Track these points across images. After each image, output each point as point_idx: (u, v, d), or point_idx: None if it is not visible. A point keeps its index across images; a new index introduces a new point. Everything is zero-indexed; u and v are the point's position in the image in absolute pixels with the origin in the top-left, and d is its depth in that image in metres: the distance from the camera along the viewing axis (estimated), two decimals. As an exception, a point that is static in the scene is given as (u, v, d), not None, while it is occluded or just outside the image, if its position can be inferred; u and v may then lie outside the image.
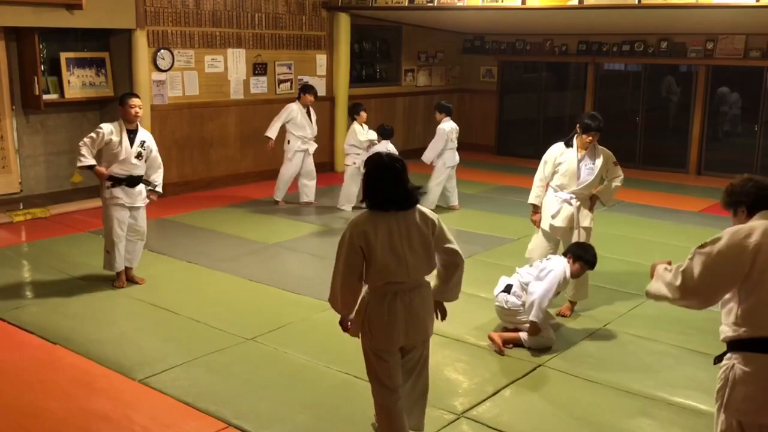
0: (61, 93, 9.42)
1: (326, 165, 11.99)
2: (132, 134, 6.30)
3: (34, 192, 9.60)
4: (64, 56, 9.40)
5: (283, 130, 9.47)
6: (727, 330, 3.10)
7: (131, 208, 6.40)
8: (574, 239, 5.86)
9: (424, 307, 3.66)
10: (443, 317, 3.92)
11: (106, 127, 6.26)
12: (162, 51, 9.86)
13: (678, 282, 3.10)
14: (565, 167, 5.94)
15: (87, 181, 9.18)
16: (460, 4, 10.27)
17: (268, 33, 11.10)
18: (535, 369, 4.98)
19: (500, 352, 5.18)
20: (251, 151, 10.96)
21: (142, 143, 6.33)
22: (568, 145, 5.96)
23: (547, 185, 6.10)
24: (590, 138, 5.83)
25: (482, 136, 14.23)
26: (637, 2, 9.01)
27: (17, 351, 5.22)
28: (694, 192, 11.00)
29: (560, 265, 5.24)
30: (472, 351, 5.26)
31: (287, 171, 9.59)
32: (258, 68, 11.04)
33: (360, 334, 3.69)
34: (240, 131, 10.92)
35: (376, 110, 12.25)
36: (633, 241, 8.17)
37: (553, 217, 5.99)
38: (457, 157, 9.50)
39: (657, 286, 3.22)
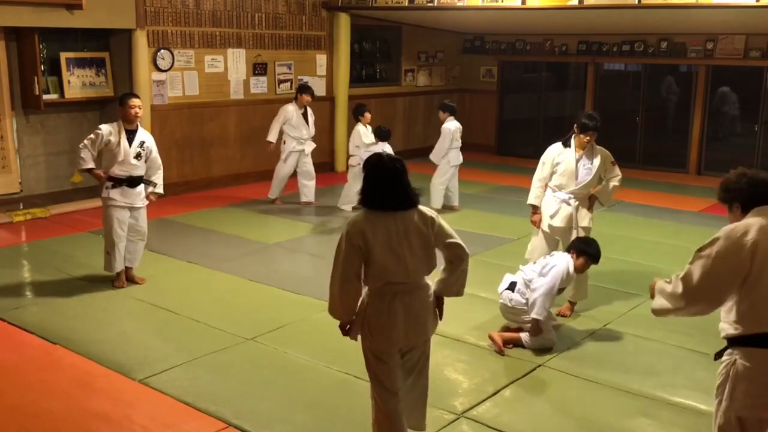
0: (61, 93, 9.42)
1: (326, 165, 11.99)
2: (131, 134, 6.29)
3: (34, 192, 9.60)
4: (64, 56, 9.40)
5: (282, 131, 9.48)
6: (727, 327, 3.10)
7: (131, 209, 6.40)
8: (574, 239, 5.86)
9: (423, 308, 3.64)
10: (440, 316, 3.82)
11: (105, 128, 6.27)
12: (162, 51, 9.86)
13: (680, 290, 3.10)
14: (563, 167, 5.94)
15: (87, 181, 9.16)
16: (460, 4, 10.27)
17: (268, 33, 11.10)
18: (535, 369, 4.98)
19: (500, 352, 5.18)
20: (251, 151, 10.96)
21: (142, 144, 6.33)
22: (566, 145, 5.97)
23: (546, 186, 6.11)
24: (588, 138, 5.84)
25: (482, 136, 14.22)
26: (637, 2, 9.01)
27: (17, 351, 5.22)
28: (694, 192, 11.00)
29: (563, 261, 5.23)
30: (472, 351, 5.27)
31: (281, 171, 9.62)
32: (258, 68, 11.04)
33: (360, 336, 3.69)
34: (240, 131, 10.93)
35: (376, 110, 12.22)
36: (633, 241, 8.17)
37: (552, 217, 5.99)
38: (461, 157, 9.53)
39: (660, 302, 3.21)
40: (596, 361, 5.12)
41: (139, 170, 6.36)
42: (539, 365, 5.03)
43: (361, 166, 3.80)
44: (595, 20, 11.04)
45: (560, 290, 5.32)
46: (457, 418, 4.32)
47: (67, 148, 9.77)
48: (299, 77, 11.59)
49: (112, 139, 6.20)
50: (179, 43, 10.05)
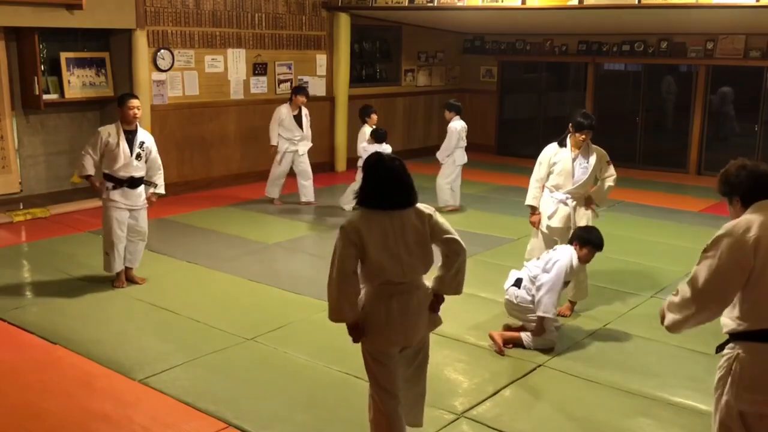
0: (61, 93, 9.42)
1: (326, 165, 12.00)
2: (131, 135, 6.29)
3: (34, 192, 9.60)
4: (64, 56, 9.40)
5: None
6: (730, 323, 3.09)
7: (131, 210, 6.39)
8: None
9: (420, 308, 3.63)
10: (436, 312, 3.74)
11: (104, 130, 6.27)
12: (162, 51, 9.86)
13: (689, 294, 3.06)
14: (560, 167, 5.95)
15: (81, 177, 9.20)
16: (460, 4, 10.27)
17: (268, 33, 11.10)
18: (535, 369, 4.98)
19: (500, 352, 5.18)
20: (251, 151, 10.96)
21: (141, 144, 6.32)
22: (562, 145, 5.98)
23: (544, 186, 6.10)
24: (583, 136, 5.85)
25: (482, 136, 14.22)
26: (637, 2, 9.01)
27: (17, 351, 5.22)
28: (694, 192, 11.00)
29: (566, 254, 5.21)
30: (472, 351, 5.26)
31: (275, 171, 9.67)
32: (258, 68, 11.04)
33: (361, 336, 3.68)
34: (240, 131, 10.92)
35: (376, 110, 12.22)
36: (633, 241, 8.16)
37: (550, 218, 6.00)
38: (465, 157, 9.57)
39: (671, 317, 3.16)
40: (596, 361, 5.12)
41: (140, 171, 6.36)
42: (539, 365, 5.02)
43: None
44: (595, 20, 11.04)
45: (565, 283, 5.30)
46: (457, 418, 4.32)
47: (67, 148, 9.77)
48: (299, 77, 11.59)
49: (111, 140, 6.20)
50: (179, 43, 10.05)
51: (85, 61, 9.64)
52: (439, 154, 9.58)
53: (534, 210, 6.12)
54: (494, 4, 9.98)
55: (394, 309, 3.54)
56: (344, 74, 11.92)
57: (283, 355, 5.17)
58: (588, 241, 5.31)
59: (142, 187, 6.43)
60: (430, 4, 10.51)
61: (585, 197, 6.02)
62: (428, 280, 3.73)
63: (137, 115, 6.28)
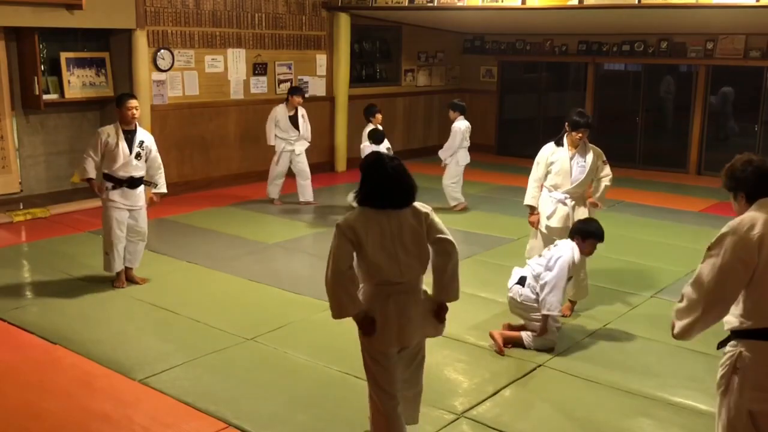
0: (61, 93, 9.42)
1: (326, 165, 12.00)
2: (130, 135, 6.28)
3: (34, 192, 9.60)
4: (64, 56, 9.40)
5: None
6: (732, 320, 3.07)
7: (131, 210, 6.39)
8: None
9: (416, 310, 3.62)
10: (441, 319, 3.72)
11: (103, 131, 6.27)
12: (162, 51, 9.86)
13: (695, 295, 3.04)
14: (557, 166, 5.95)
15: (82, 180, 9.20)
16: (460, 4, 10.27)
17: (268, 33, 11.10)
18: (535, 369, 4.98)
19: (500, 352, 5.17)
20: (251, 151, 10.96)
21: (141, 143, 6.32)
22: (559, 144, 5.98)
23: (542, 186, 6.10)
24: (580, 135, 5.86)
25: (482, 136, 14.21)
26: (637, 2, 9.01)
27: (17, 351, 5.22)
28: (694, 192, 11.00)
29: (567, 250, 5.18)
30: (472, 351, 5.26)
31: (273, 170, 9.70)
32: (258, 68, 11.04)
33: (358, 337, 3.68)
34: (240, 131, 10.93)
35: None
36: (633, 241, 8.16)
37: (549, 218, 6.00)
38: (468, 157, 9.58)
39: (678, 324, 3.12)
40: (596, 361, 5.11)
41: (139, 171, 6.36)
42: (539, 365, 5.02)
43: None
44: (595, 20, 11.04)
45: (568, 279, 5.28)
46: (457, 418, 4.32)
47: (67, 148, 9.77)
48: (299, 77, 11.59)
49: (111, 140, 6.20)
50: (179, 43, 10.05)
51: (85, 61, 9.64)
52: (441, 153, 9.59)
53: (533, 210, 6.12)
54: (494, 4, 9.98)
55: (392, 309, 3.54)
56: (344, 74, 11.92)
57: (283, 355, 5.17)
58: (589, 233, 5.28)
59: (141, 188, 6.43)
60: (430, 4, 10.51)
61: (584, 197, 6.03)
62: (425, 284, 3.73)
63: (136, 116, 6.27)
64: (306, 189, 9.74)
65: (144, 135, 6.40)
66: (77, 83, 9.53)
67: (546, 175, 6.04)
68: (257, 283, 6.66)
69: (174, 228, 8.52)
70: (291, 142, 9.57)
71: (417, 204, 3.63)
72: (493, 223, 8.93)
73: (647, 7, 9.12)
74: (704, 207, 9.94)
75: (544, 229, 6.04)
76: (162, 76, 9.92)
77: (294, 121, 9.53)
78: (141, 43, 9.50)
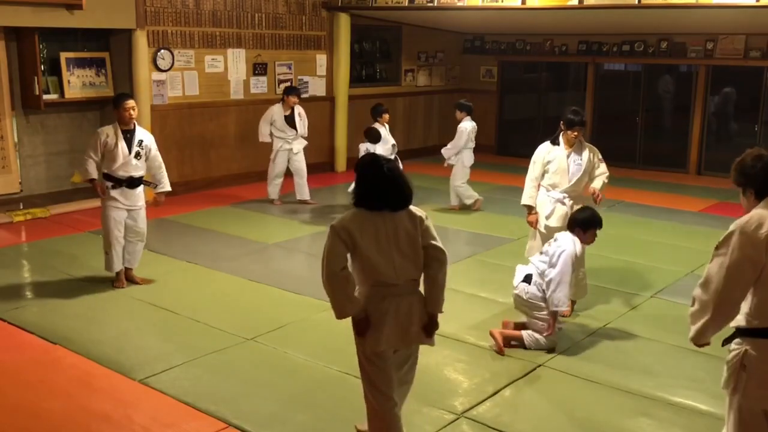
0: (61, 93, 9.41)
1: (326, 165, 12.00)
2: (129, 134, 6.28)
3: (34, 192, 9.60)
4: (64, 56, 9.40)
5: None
6: (739, 318, 3.06)
7: (130, 210, 6.39)
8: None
9: (411, 313, 3.61)
10: (430, 333, 3.71)
11: (102, 132, 6.27)
12: (162, 51, 9.86)
13: (705, 296, 3.02)
14: (555, 165, 5.96)
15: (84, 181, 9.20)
16: (460, 4, 10.27)
17: (268, 33, 11.10)
18: (535, 369, 4.98)
19: (500, 352, 5.17)
20: (251, 151, 10.95)
21: (140, 143, 6.32)
22: (555, 143, 5.99)
23: (539, 185, 6.09)
24: (575, 133, 5.87)
25: (482, 136, 14.05)
26: (637, 2, 9.01)
27: (17, 351, 5.22)
28: (694, 192, 11.00)
29: (569, 244, 5.16)
30: (472, 351, 5.26)
31: (272, 170, 9.73)
32: (258, 68, 11.04)
33: (354, 339, 3.68)
34: (240, 131, 10.92)
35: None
36: (633, 241, 8.16)
37: (548, 217, 6.00)
38: (473, 158, 9.58)
39: (693, 327, 3.10)
40: (596, 361, 5.11)
41: (139, 171, 6.35)
42: (539, 365, 5.02)
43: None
44: (595, 20, 11.03)
45: (573, 271, 5.26)
46: (457, 418, 4.32)
47: (67, 148, 9.77)
48: (299, 77, 11.59)
49: (110, 140, 6.20)
50: (179, 43, 10.05)
51: (85, 61, 9.64)
52: (445, 151, 9.57)
53: (530, 210, 6.11)
54: (494, 4, 9.98)
55: (387, 311, 3.54)
56: (344, 74, 11.92)
57: (283, 354, 5.17)
58: (590, 222, 5.26)
59: (141, 188, 6.43)
60: (430, 4, 10.51)
61: (582, 196, 6.03)
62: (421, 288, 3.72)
63: (133, 116, 6.27)
64: (302, 188, 9.76)
65: (143, 134, 6.40)
66: (77, 83, 9.53)
67: (543, 175, 6.04)
68: (257, 283, 6.66)
69: (174, 228, 8.52)
70: (289, 141, 9.59)
71: (412, 207, 3.62)
72: (493, 223, 8.93)
73: (647, 7, 9.12)
74: (704, 207, 9.94)
75: (543, 229, 6.04)
76: (162, 76, 9.92)
77: (290, 120, 9.56)
78: (141, 43, 9.50)
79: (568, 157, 5.94)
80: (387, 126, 9.33)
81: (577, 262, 5.28)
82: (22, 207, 9.01)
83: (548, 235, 6.01)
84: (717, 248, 3.02)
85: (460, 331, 5.52)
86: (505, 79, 14.44)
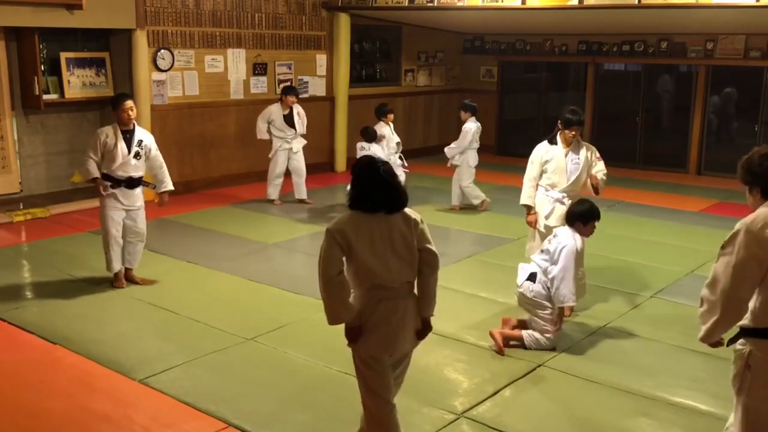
0: (61, 93, 9.42)
1: (326, 165, 12.00)
2: (129, 135, 6.27)
3: (34, 192, 9.60)
4: (64, 56, 9.40)
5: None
6: (744, 318, 3.06)
7: (128, 210, 6.39)
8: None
9: (406, 317, 3.60)
10: (422, 338, 3.72)
11: (102, 132, 6.27)
12: (162, 51, 9.86)
13: (713, 296, 3.01)
14: (553, 165, 5.96)
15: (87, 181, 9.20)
16: (460, 4, 10.27)
17: (268, 33, 11.10)
18: (535, 369, 4.98)
19: (500, 352, 5.17)
20: (251, 151, 10.95)
21: (140, 142, 6.31)
22: (552, 142, 5.99)
23: (537, 185, 6.09)
24: (573, 132, 5.87)
25: (482, 136, 13.97)
26: (637, 2, 9.01)
27: (17, 351, 5.22)
28: (694, 192, 11.00)
29: (569, 239, 5.15)
30: (472, 351, 5.26)
31: (272, 169, 9.74)
32: (258, 68, 11.04)
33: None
34: (240, 131, 10.92)
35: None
36: (633, 241, 8.16)
37: (547, 217, 6.00)
38: (477, 158, 9.60)
39: (703, 328, 3.09)
40: (596, 361, 5.11)
41: (138, 171, 6.35)
42: (539, 365, 5.02)
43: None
44: (595, 20, 11.04)
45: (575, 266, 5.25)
46: (457, 418, 4.32)
47: (67, 148, 9.77)
48: (299, 77, 11.59)
49: (109, 141, 6.19)
50: (179, 43, 10.05)
51: (85, 61, 9.64)
52: (448, 151, 9.55)
53: (529, 209, 6.11)
54: (494, 4, 9.98)
55: (382, 314, 3.54)
56: (344, 74, 11.92)
57: (282, 354, 5.17)
58: (589, 215, 5.24)
59: (140, 188, 6.42)
60: (430, 4, 10.51)
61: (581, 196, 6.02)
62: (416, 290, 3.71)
63: (132, 116, 6.27)
64: (300, 187, 9.78)
65: (143, 134, 6.40)
66: (77, 83, 9.53)
67: (541, 174, 6.04)
68: (257, 283, 6.66)
69: (174, 228, 8.52)
70: (288, 141, 9.60)
71: (408, 210, 3.62)
72: (493, 223, 8.93)
73: (647, 7, 9.12)
74: (704, 207, 9.94)
75: (542, 229, 6.03)
76: (162, 76, 9.92)
77: (289, 119, 9.57)
78: (141, 43, 9.50)
79: (565, 156, 5.94)
80: (391, 125, 9.34)
81: (580, 255, 5.27)
82: (22, 207, 9.01)
83: (548, 234, 6.01)
84: (723, 247, 3.01)
85: (460, 331, 5.52)
86: (505, 79, 14.44)
